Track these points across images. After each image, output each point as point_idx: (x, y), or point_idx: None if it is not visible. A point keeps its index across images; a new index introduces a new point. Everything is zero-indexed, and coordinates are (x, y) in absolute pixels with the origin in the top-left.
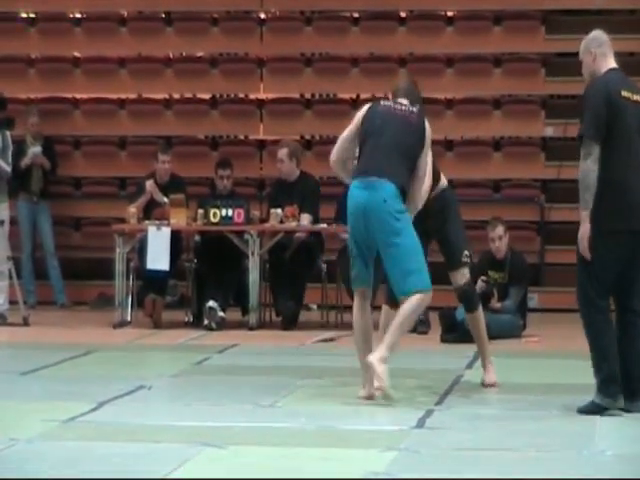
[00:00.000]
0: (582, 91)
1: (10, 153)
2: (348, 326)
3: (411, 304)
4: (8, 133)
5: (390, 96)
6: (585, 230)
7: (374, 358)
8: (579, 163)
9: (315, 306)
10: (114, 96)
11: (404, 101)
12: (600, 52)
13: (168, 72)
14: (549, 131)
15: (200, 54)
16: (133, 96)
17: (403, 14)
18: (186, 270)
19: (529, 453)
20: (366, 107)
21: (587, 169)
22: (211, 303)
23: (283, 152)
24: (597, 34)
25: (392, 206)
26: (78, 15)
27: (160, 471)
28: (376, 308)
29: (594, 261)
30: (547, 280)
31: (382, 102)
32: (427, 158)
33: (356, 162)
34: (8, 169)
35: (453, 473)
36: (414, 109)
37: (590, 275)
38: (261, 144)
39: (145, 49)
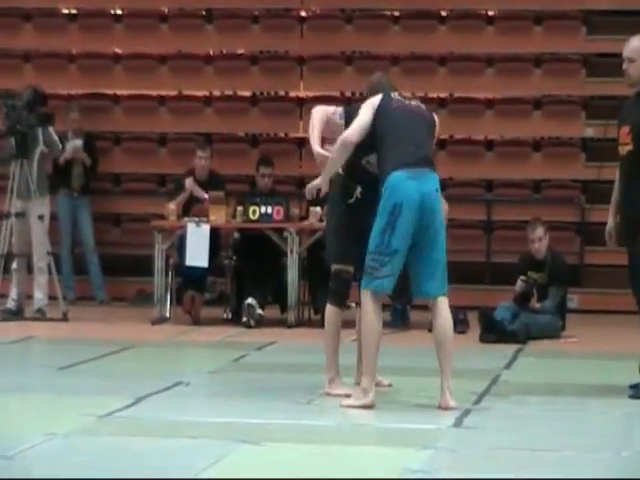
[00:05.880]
0: (622, 92)
1: (58, 147)
2: (388, 324)
3: (450, 321)
4: (51, 129)
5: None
6: None
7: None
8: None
9: (354, 304)
10: (154, 93)
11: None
12: None
13: (208, 69)
14: (589, 132)
15: (240, 51)
16: (173, 93)
17: (444, 13)
18: (225, 267)
19: (567, 453)
20: (378, 99)
21: None
22: (250, 300)
23: None
24: None
25: (439, 199)
26: (119, 11)
27: (196, 467)
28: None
29: None
30: (586, 281)
31: (393, 96)
32: None
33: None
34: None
35: (489, 473)
36: (419, 103)
37: None
38: (301, 142)
39: (185, 46)
